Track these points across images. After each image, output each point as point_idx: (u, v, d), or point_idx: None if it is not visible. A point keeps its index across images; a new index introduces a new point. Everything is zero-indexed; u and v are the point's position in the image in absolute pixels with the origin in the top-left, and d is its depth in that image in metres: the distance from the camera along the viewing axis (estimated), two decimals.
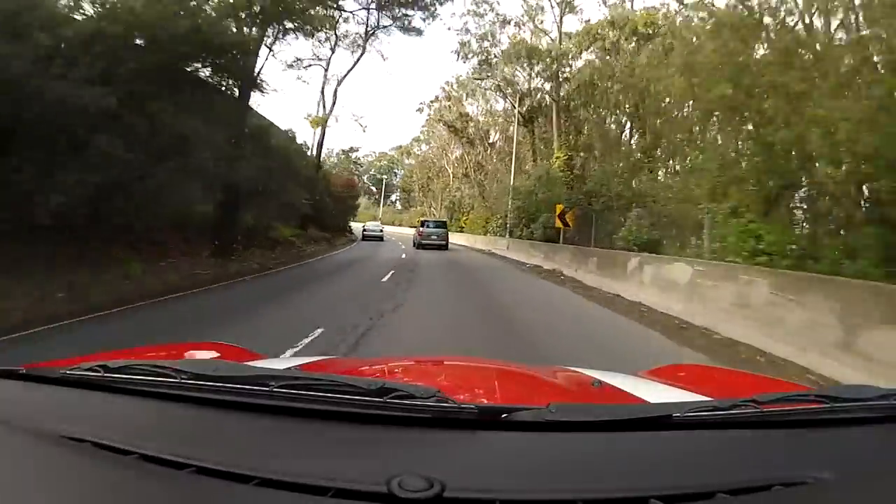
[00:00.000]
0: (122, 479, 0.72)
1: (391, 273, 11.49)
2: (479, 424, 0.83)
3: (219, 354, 1.54)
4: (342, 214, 29.32)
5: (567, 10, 23.14)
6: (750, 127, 7.69)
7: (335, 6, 19.32)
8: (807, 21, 7.76)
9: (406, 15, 22.02)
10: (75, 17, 7.91)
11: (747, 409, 0.88)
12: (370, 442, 0.79)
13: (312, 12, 15.59)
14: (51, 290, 6.11)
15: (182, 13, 8.35)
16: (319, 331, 5.16)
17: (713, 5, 9.50)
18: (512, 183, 22.42)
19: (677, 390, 1.33)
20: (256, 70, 12.60)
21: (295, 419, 0.84)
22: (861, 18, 6.79)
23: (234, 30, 11.18)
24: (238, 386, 0.88)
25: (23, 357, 1.24)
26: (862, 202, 5.89)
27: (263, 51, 13.96)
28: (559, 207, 15.28)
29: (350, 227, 32.71)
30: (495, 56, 25.00)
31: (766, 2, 8.10)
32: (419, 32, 22.67)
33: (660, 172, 15.49)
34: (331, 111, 25.37)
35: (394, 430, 0.81)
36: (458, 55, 25.48)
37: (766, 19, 8.08)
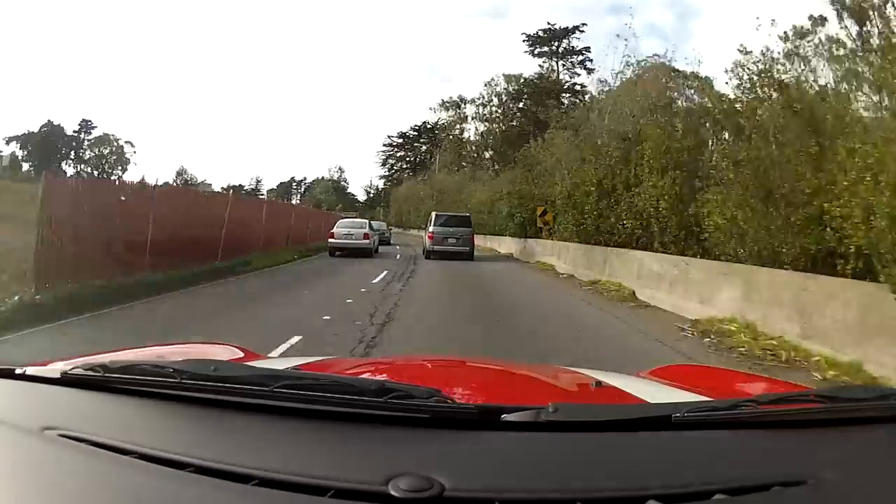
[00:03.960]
0: (121, 478, 0.72)
1: None
2: (478, 424, 0.82)
3: (219, 354, 1.54)
4: None
5: None
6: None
7: None
8: None
9: None
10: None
11: (747, 409, 0.88)
12: (370, 442, 0.79)
13: None
14: None
15: None
16: None
17: None
18: None
19: (677, 390, 1.33)
20: None
21: (295, 419, 0.84)
22: None
23: None
24: (238, 386, 0.88)
25: None
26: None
27: None
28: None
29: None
30: None
31: None
32: None
33: None
34: None
35: (394, 430, 0.81)
36: None
37: None
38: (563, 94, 37.66)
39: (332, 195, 73.99)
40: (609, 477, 0.74)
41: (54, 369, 1.00)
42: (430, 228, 17.82)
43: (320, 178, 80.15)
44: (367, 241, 17.20)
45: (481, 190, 29.83)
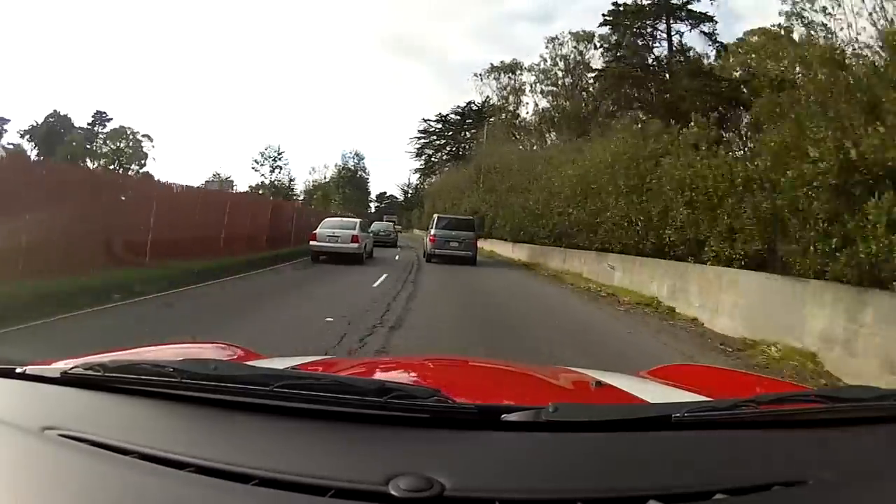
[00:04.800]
0: (121, 478, 0.72)
1: None
2: (479, 424, 0.83)
3: (220, 354, 1.54)
4: None
5: None
6: None
7: None
8: None
9: None
10: None
11: (747, 409, 0.88)
12: (370, 442, 0.79)
13: None
14: None
15: None
16: None
17: None
18: None
19: (677, 390, 1.33)
20: None
21: (295, 419, 0.84)
22: None
23: None
24: (238, 386, 0.88)
25: None
26: None
27: None
28: None
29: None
30: None
31: None
32: None
33: None
34: None
35: (394, 430, 0.81)
36: None
37: None
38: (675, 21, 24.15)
39: (333, 188, 57.15)
40: (609, 477, 0.74)
41: (54, 369, 1.00)
42: (433, 231, 17.05)
43: (338, 166, 60.73)
44: (355, 244, 14.43)
45: (595, 151, 13.93)
